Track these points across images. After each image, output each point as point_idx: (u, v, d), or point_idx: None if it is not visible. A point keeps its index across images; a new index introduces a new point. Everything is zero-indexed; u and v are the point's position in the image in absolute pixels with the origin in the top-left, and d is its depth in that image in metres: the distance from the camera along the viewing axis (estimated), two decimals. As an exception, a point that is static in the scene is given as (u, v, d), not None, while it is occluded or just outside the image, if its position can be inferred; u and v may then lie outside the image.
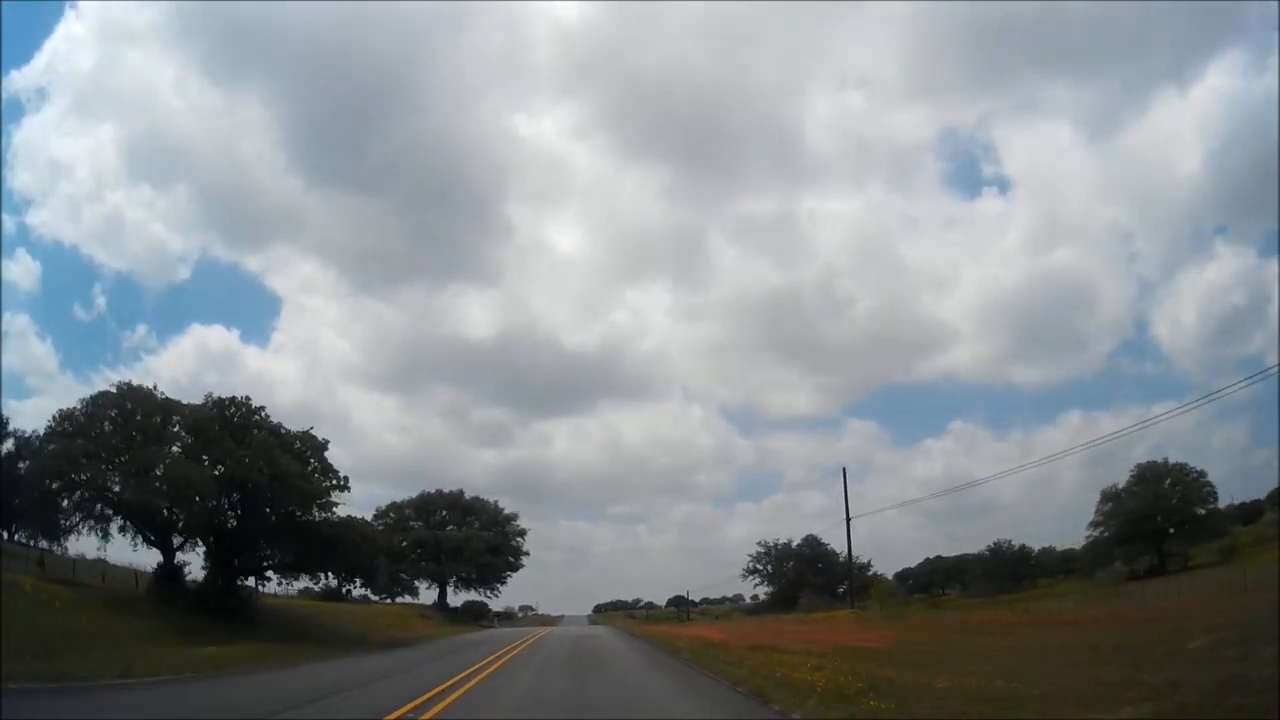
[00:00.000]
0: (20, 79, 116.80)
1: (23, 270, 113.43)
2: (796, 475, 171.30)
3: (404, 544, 77.75)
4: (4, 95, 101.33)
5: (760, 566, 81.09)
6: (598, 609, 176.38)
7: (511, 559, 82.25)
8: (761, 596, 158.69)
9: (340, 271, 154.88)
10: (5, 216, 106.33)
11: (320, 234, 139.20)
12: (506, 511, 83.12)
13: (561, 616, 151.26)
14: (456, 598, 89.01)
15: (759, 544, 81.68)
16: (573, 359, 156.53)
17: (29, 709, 12.54)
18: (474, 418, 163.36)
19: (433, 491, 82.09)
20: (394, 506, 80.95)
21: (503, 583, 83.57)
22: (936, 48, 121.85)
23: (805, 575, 76.64)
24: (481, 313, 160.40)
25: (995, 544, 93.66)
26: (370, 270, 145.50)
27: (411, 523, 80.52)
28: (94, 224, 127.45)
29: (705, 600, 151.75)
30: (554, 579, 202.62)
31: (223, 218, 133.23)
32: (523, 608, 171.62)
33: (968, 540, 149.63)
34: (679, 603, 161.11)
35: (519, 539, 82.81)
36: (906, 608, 56.88)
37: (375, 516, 79.89)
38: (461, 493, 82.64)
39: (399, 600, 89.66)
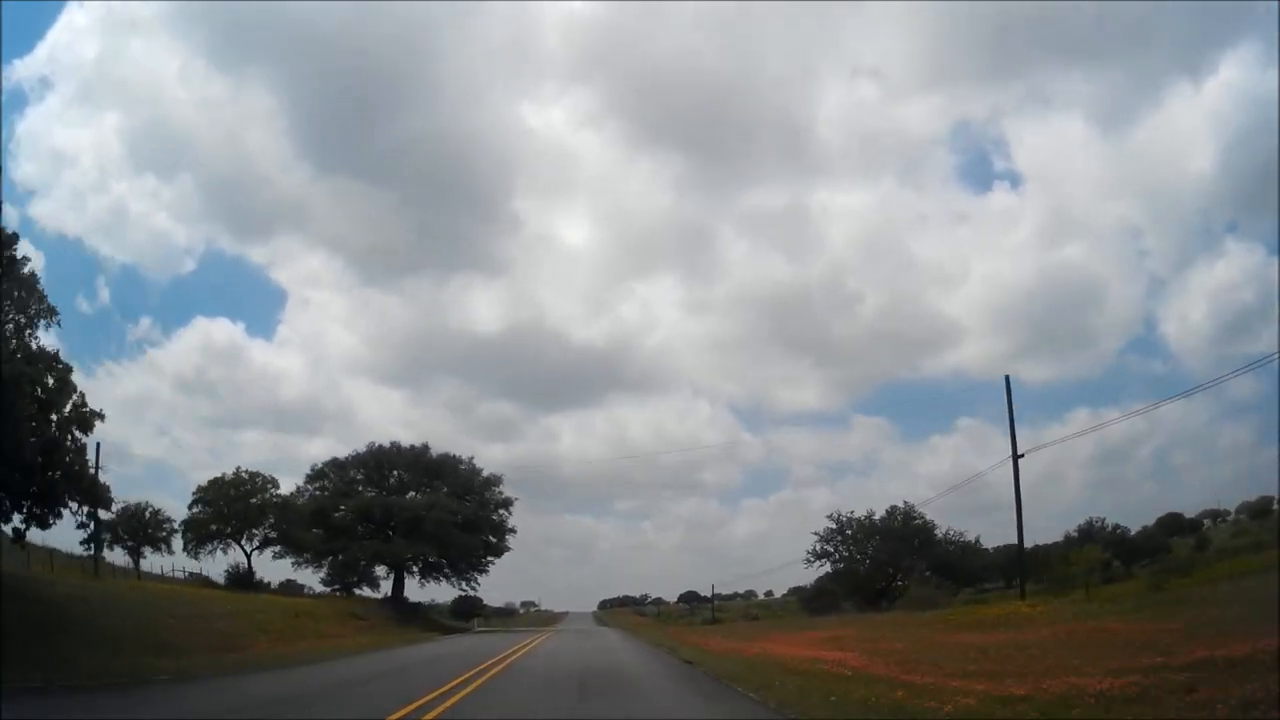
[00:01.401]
0: (23, 68, 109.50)
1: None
2: (804, 471, 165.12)
3: (348, 515, 54.36)
4: (6, 85, 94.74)
5: (831, 548, 57.34)
6: (603, 605, 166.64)
7: (493, 539, 58.73)
8: (778, 593, 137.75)
9: (346, 263, 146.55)
10: (8, 208, 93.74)
11: (326, 225, 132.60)
12: (486, 473, 59.78)
13: (565, 614, 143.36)
14: (430, 591, 65.75)
15: (830, 517, 58.04)
16: (580, 353, 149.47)
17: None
18: (481, 411, 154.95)
19: (387, 445, 58.92)
20: (335, 465, 57.49)
21: (482, 570, 59.97)
22: (948, 39, 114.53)
23: (902, 557, 53.03)
24: (488, 306, 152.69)
25: (1088, 523, 69.37)
26: (376, 262, 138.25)
27: (360, 488, 57.12)
28: (98, 215, 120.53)
29: (718, 596, 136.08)
30: (558, 574, 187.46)
31: (228, 209, 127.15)
32: (524, 603, 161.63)
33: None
34: (690, 599, 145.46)
35: (503, 512, 59.32)
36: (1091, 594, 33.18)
37: (310, 478, 56.85)
38: (426, 448, 59.44)
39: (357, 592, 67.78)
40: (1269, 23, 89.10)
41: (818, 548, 56.34)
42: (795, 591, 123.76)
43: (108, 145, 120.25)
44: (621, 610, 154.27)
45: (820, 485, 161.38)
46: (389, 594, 58.69)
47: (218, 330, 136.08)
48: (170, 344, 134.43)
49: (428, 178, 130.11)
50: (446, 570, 59.09)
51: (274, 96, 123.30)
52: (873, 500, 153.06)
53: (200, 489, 52.91)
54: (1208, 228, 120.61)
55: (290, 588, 59.43)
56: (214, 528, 52.83)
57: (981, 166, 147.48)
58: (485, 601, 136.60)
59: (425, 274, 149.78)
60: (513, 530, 59.30)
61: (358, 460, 57.46)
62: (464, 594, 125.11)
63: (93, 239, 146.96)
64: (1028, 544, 63.48)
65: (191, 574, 53.28)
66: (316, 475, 56.95)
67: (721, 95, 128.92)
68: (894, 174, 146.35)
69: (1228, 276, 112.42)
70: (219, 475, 52.72)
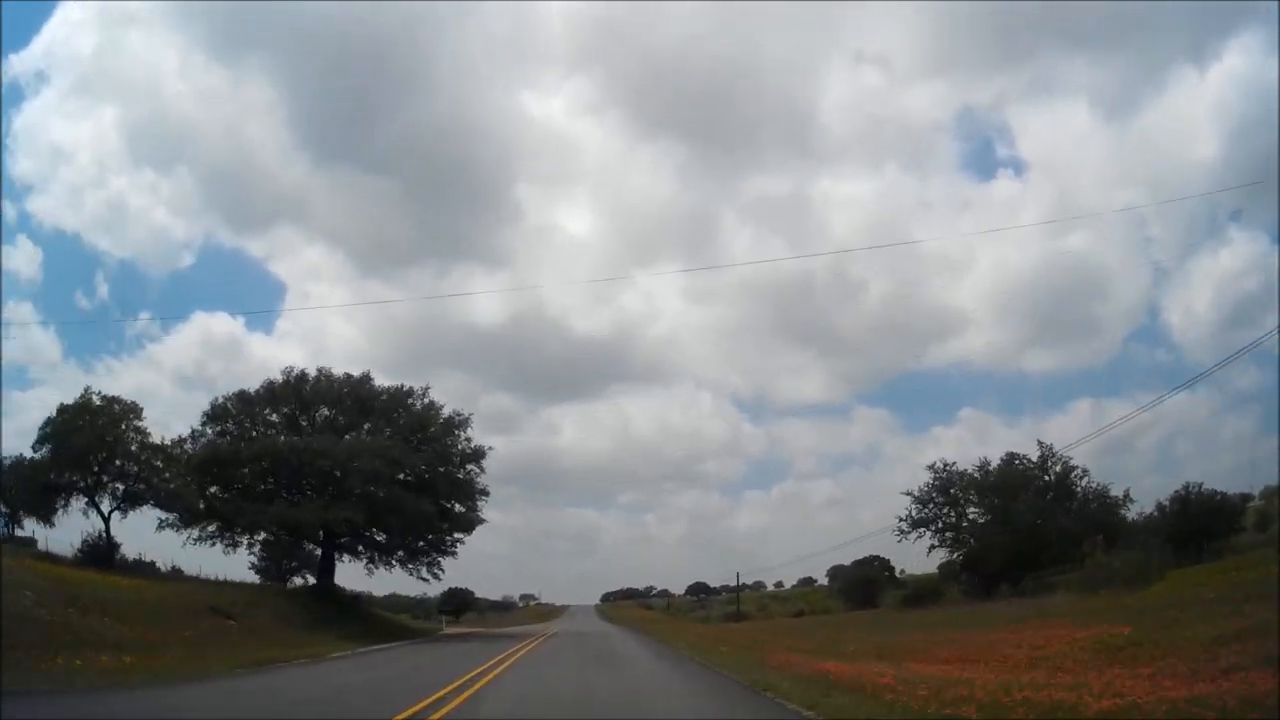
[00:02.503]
0: (19, 63, 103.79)
1: (25, 258, 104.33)
2: (806, 463, 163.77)
3: (248, 466, 36.62)
4: (4, 80, 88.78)
5: (933, 510, 38.97)
6: (606, 598, 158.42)
7: (455, 504, 40.71)
8: (788, 584, 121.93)
9: (346, 256, 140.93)
10: (6, 203, 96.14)
11: (326, 217, 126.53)
12: (448, 412, 41.29)
13: (566, 607, 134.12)
14: (386, 581, 47.56)
15: (930, 468, 39.78)
16: (582, 344, 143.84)
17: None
18: (482, 404, 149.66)
19: (312, 374, 40.86)
20: (242, 400, 39.59)
21: (446, 551, 42.03)
22: (952, 25, 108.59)
23: (1055, 517, 34.57)
24: (490, 297, 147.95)
25: (1184, 489, 48.94)
26: (377, 254, 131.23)
27: (279, 433, 39.13)
28: (96, 210, 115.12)
29: (725, 588, 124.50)
30: (559, 567, 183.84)
31: (227, 201, 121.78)
32: (523, 597, 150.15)
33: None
34: (699, 591, 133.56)
35: (473, 467, 41.15)
36: None
37: (207, 418, 39.53)
38: (366, 378, 41.22)
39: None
40: (1271, 13, 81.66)
41: (913, 512, 38.24)
42: (805, 582, 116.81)
43: (105, 139, 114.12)
44: (625, 603, 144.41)
45: (823, 477, 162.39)
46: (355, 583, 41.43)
47: (217, 325, 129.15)
48: (169, 339, 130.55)
49: (428, 168, 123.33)
50: (399, 552, 41.31)
51: (273, 88, 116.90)
52: (876, 493, 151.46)
53: (46, 423, 35.31)
54: (1212, 216, 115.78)
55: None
56: (64, 477, 35.19)
57: (986, 154, 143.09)
58: (478, 594, 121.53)
59: (426, 265, 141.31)
60: (485, 493, 41.38)
61: (270, 394, 39.62)
62: (456, 588, 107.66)
63: (91, 234, 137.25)
64: (1170, 503, 45.17)
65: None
66: (217, 414, 39.10)
67: (724, 83, 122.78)
68: (898, 162, 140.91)
69: (1232, 265, 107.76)
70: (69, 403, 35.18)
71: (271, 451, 35.90)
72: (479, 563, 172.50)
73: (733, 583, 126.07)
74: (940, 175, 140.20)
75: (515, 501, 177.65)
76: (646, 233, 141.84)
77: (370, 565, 42.41)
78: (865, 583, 76.93)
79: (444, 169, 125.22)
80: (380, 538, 39.97)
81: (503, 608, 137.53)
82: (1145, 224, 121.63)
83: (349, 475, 34.67)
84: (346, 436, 39.03)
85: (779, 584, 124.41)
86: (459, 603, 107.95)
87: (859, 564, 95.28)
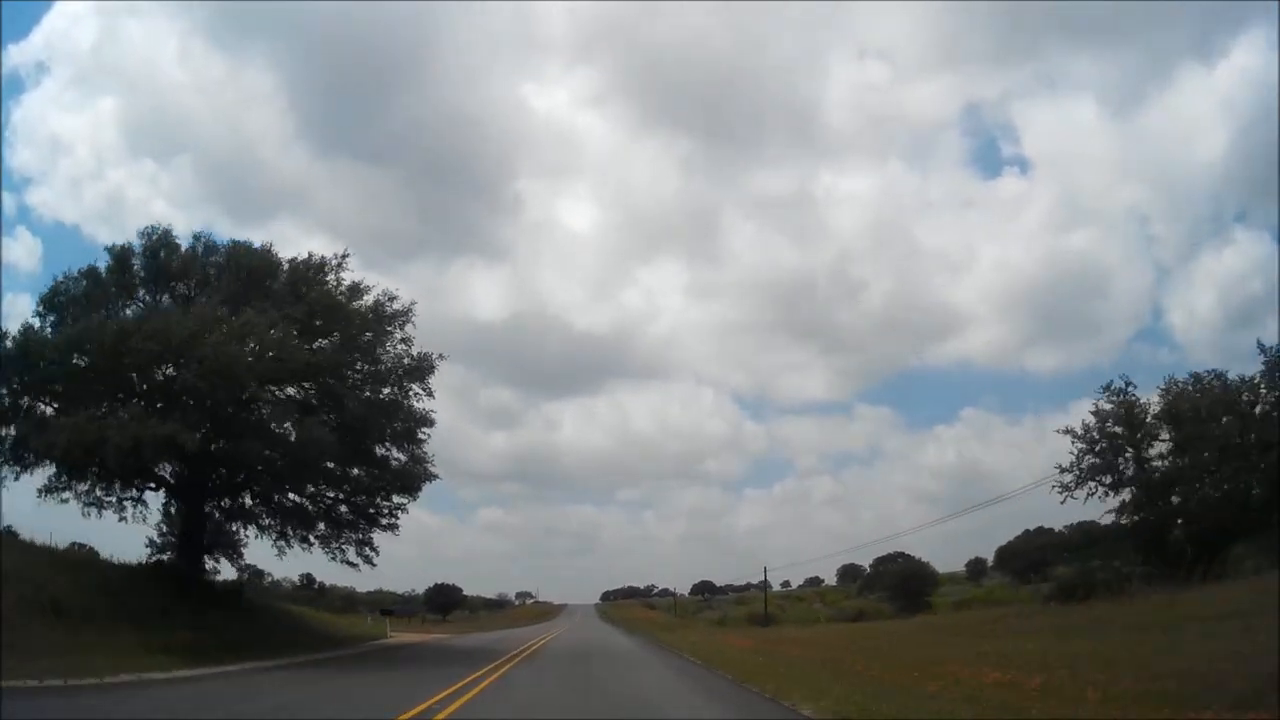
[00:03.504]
0: (19, 54, 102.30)
1: (24, 250, 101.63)
2: (808, 461, 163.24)
3: (64, 366, 23.00)
4: (4, 71, 78.99)
5: (1107, 455, 24.98)
6: (606, 596, 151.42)
7: (390, 450, 26.97)
8: (794, 583, 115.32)
9: (346, 247, 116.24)
10: (5, 195, 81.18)
11: (326, 208, 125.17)
12: (371, 294, 26.24)
13: (564, 606, 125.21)
14: (309, 562, 33.51)
15: (1107, 389, 25.90)
16: (583, 340, 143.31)
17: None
18: (482, 399, 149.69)
19: (185, 244, 26.25)
20: (90, 278, 25.22)
21: (376, 518, 28.03)
22: (957, 20, 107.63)
23: None
24: (490, 291, 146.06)
25: None
26: (377, 246, 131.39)
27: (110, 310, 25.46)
28: (95, 202, 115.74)
29: (729, 587, 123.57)
30: (558, 565, 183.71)
31: (226, 192, 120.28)
32: (519, 595, 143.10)
33: (977, 535, 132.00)
34: (704, 589, 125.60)
35: (415, 388, 26.69)
36: None
37: (44, 305, 26.27)
38: (266, 251, 26.52)
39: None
40: (1272, 12, 78.93)
41: (1080, 459, 24.46)
42: (813, 581, 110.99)
43: (105, 130, 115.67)
44: (626, 602, 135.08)
45: (824, 475, 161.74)
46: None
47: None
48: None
49: (429, 160, 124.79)
50: (319, 522, 27.78)
51: (273, 77, 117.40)
52: (877, 491, 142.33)
53: None
54: (1217, 214, 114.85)
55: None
56: None
57: (990, 151, 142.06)
58: (473, 593, 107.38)
59: (426, 258, 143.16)
60: (428, 423, 27.00)
61: (121, 267, 25.68)
62: (443, 584, 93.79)
63: (90, 226, 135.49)
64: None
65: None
66: (58, 300, 25.35)
67: (728, 76, 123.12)
68: (902, 158, 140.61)
69: (1235, 265, 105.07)
70: None
71: (94, 338, 22.31)
72: (478, 560, 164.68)
73: (738, 582, 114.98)
74: (945, 172, 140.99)
75: (515, 498, 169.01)
76: (648, 227, 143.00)
77: (282, 541, 28.50)
78: (912, 579, 64.64)
79: (445, 160, 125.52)
80: (254, 483, 26.26)
81: (496, 606, 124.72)
82: (1149, 222, 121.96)
83: (187, 368, 20.91)
84: (225, 325, 25.08)
85: (785, 583, 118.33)
86: (446, 600, 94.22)
87: (881, 561, 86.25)
